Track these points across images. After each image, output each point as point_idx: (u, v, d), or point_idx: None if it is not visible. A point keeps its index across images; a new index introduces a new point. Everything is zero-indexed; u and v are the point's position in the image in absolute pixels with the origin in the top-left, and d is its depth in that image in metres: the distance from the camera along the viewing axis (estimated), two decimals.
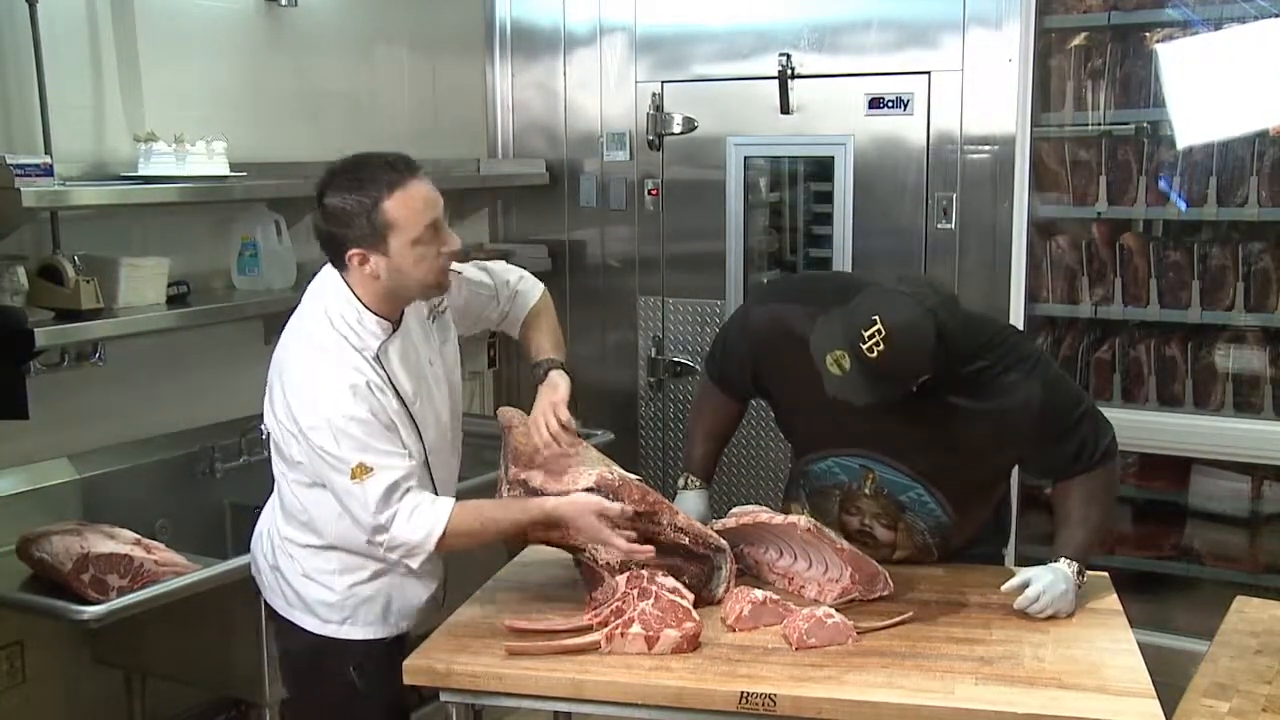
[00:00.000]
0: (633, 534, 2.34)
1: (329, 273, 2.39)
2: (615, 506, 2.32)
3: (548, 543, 2.39)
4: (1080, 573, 2.43)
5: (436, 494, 2.38)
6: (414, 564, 2.32)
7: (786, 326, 2.51)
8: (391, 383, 2.33)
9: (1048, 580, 2.37)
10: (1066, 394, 2.49)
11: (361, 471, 2.22)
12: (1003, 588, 2.41)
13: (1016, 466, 2.72)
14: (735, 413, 2.82)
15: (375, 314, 2.33)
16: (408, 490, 2.26)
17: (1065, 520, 2.50)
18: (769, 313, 2.62)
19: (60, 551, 2.81)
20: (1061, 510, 2.52)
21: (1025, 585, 2.38)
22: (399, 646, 2.46)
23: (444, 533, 2.26)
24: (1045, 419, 2.42)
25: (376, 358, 2.32)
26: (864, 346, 2.23)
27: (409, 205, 2.23)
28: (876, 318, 2.24)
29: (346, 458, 2.23)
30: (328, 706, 2.52)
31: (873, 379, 2.25)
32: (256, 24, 3.82)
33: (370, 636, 2.45)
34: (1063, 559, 2.44)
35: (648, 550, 2.32)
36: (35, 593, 2.83)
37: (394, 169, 2.25)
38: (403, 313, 2.40)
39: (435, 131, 4.57)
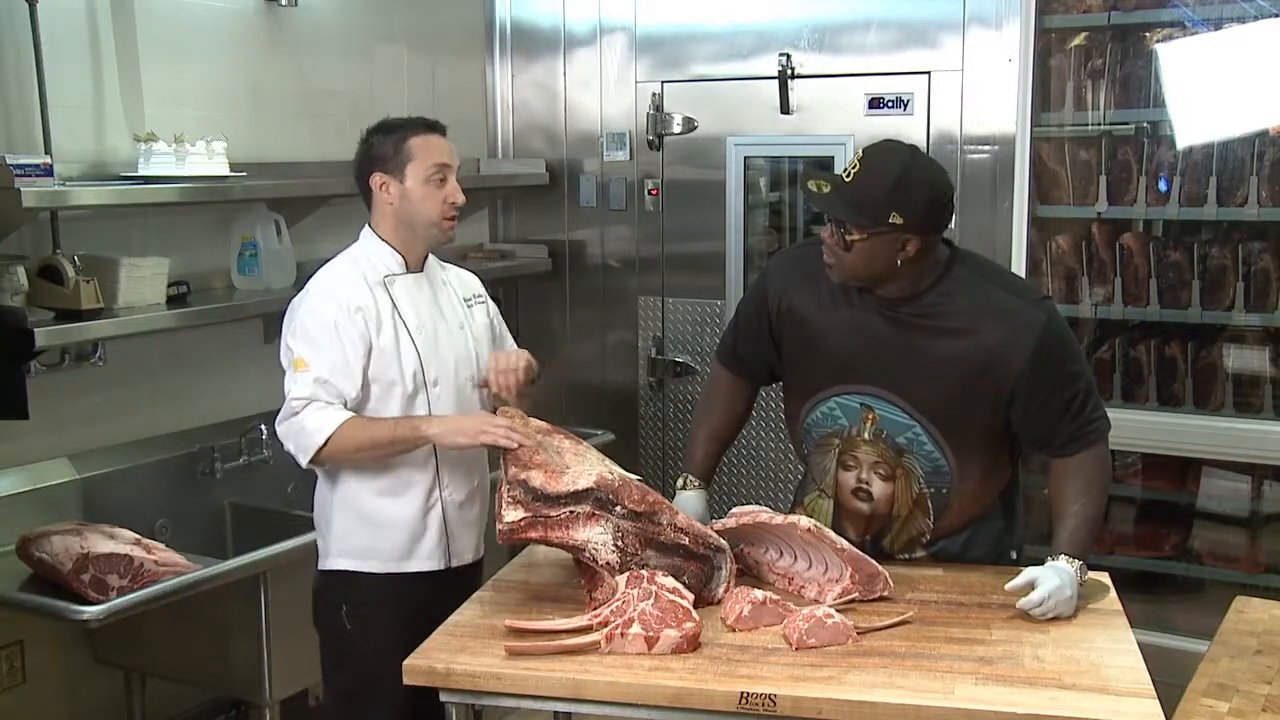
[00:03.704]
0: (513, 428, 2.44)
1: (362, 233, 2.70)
2: (502, 421, 2.47)
3: (546, 543, 2.39)
4: (1082, 570, 2.43)
5: None
6: (303, 459, 2.51)
7: (800, 254, 2.75)
8: (395, 307, 2.60)
9: (1054, 585, 2.36)
10: (1069, 343, 2.53)
11: (300, 365, 2.52)
12: (1007, 586, 2.40)
13: (1016, 456, 2.71)
14: (742, 403, 2.85)
15: (391, 247, 2.64)
16: (330, 400, 2.50)
17: (1062, 514, 2.50)
18: (785, 253, 3.06)
19: (60, 551, 2.81)
20: (1058, 501, 2.52)
21: (1030, 585, 2.38)
22: (390, 589, 2.63)
23: (333, 434, 2.47)
24: (1043, 352, 2.43)
25: (383, 283, 2.62)
26: (843, 173, 2.46)
27: (430, 145, 2.61)
28: (860, 150, 2.49)
29: (295, 348, 2.54)
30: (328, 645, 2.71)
31: (845, 196, 2.42)
32: (256, 24, 3.82)
33: (358, 569, 2.64)
34: (1063, 556, 2.43)
35: (521, 438, 2.41)
36: (35, 593, 2.83)
37: (426, 122, 2.66)
38: (426, 267, 2.70)
39: None
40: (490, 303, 2.85)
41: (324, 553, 2.69)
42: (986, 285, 2.50)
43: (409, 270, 2.66)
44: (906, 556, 2.66)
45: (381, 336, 2.56)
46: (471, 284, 2.83)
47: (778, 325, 2.67)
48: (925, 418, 2.51)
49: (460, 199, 2.63)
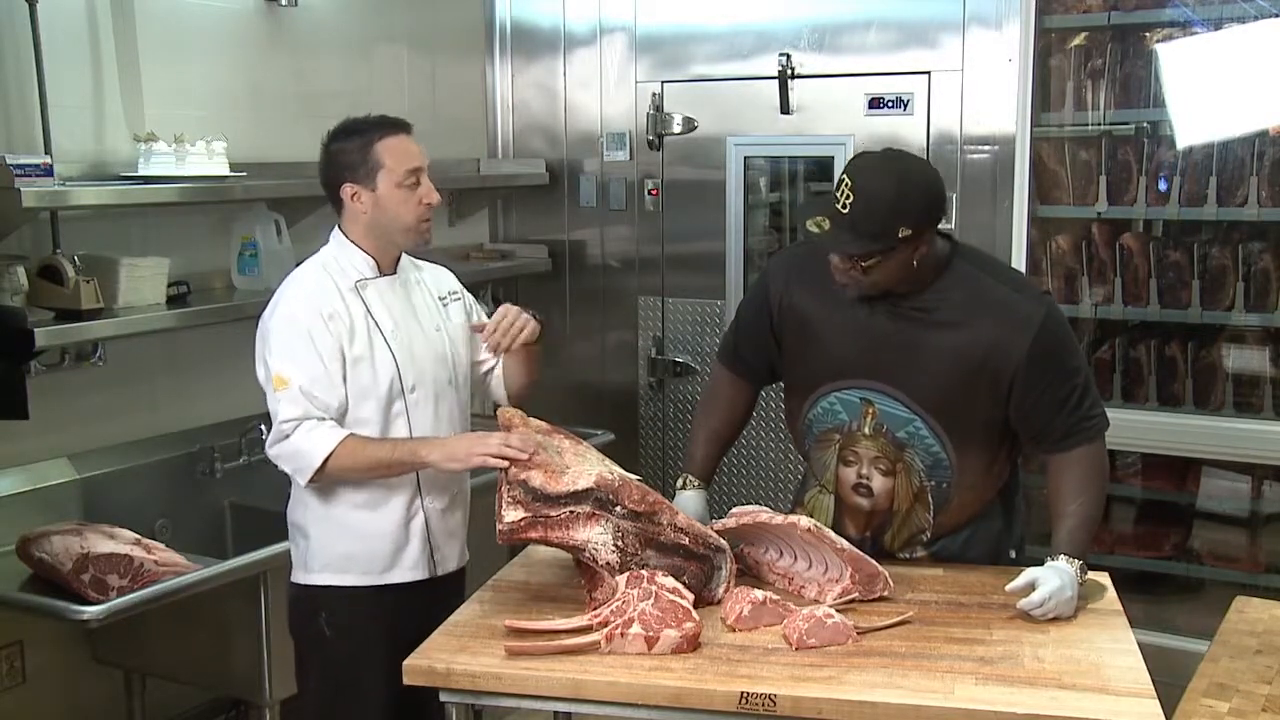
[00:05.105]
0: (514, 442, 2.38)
1: (332, 236, 2.62)
2: (495, 436, 2.41)
3: (546, 543, 2.38)
4: (1081, 570, 2.43)
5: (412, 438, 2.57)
6: (302, 479, 2.47)
7: (800, 253, 2.78)
8: (368, 312, 2.54)
9: (1054, 585, 2.36)
10: (1067, 338, 2.54)
11: (280, 382, 2.44)
12: (1008, 587, 2.40)
13: (1016, 455, 2.71)
14: (744, 404, 2.85)
15: (364, 251, 2.57)
16: (322, 414, 2.45)
17: (1061, 513, 2.50)
18: (785, 252, 3.03)
19: (60, 551, 2.81)
20: (1056, 499, 2.52)
21: (1030, 585, 2.38)
22: (373, 600, 2.59)
23: (331, 453, 2.42)
24: (1041, 347, 2.44)
25: (355, 288, 2.55)
26: (838, 205, 2.40)
27: (399, 149, 2.51)
28: (845, 176, 2.42)
29: (272, 364, 2.46)
30: (305, 655, 2.68)
31: (850, 229, 2.39)
32: (256, 24, 3.83)
33: (336, 584, 2.59)
34: (1062, 556, 2.43)
35: (522, 455, 2.35)
36: (35, 593, 2.83)
37: (391, 122, 2.55)
38: (399, 268, 2.63)
39: (435, 131, 4.56)
40: (467, 296, 2.78)
41: (300, 565, 2.64)
42: (986, 280, 2.52)
43: (381, 273, 2.59)
44: (907, 555, 2.67)
45: (355, 344, 2.50)
46: (446, 281, 2.76)
47: (779, 323, 2.68)
48: (925, 411, 2.52)
49: (435, 199, 2.55)
